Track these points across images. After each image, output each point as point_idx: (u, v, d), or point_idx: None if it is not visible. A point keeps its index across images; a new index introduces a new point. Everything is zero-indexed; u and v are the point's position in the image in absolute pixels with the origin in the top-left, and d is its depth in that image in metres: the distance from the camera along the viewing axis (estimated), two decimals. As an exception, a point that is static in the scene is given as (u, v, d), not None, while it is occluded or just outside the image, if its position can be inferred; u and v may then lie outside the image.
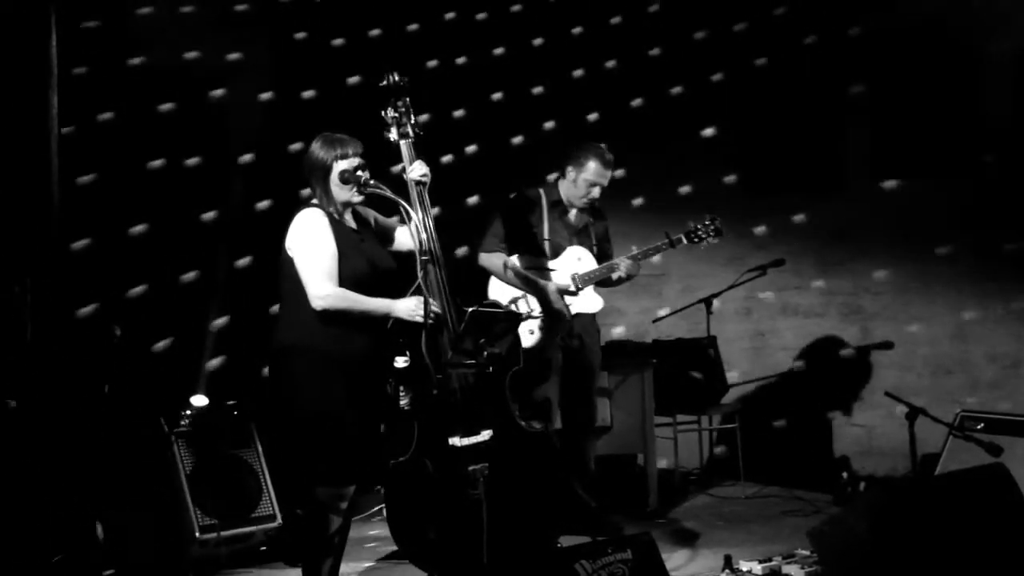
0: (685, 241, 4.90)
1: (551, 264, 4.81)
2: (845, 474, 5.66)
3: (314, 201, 3.62)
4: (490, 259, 4.80)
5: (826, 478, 5.76)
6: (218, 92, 5.77)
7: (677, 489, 5.94)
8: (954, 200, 5.73)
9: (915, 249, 5.92)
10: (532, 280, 4.73)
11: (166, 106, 5.56)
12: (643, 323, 6.55)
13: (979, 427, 4.62)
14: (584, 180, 4.78)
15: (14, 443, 4.28)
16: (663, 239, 4.88)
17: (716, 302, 6.14)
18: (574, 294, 4.77)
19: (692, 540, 4.92)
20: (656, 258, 5.15)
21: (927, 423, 4.54)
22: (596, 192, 4.82)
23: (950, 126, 5.70)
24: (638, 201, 6.51)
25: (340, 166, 3.58)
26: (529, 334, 4.66)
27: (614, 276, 4.82)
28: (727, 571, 4.03)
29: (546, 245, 4.83)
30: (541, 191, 4.91)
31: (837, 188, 6.16)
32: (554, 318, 4.70)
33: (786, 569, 4.03)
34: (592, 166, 4.77)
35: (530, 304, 4.59)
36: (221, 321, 5.54)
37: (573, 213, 4.92)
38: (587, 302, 4.83)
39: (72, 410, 4.53)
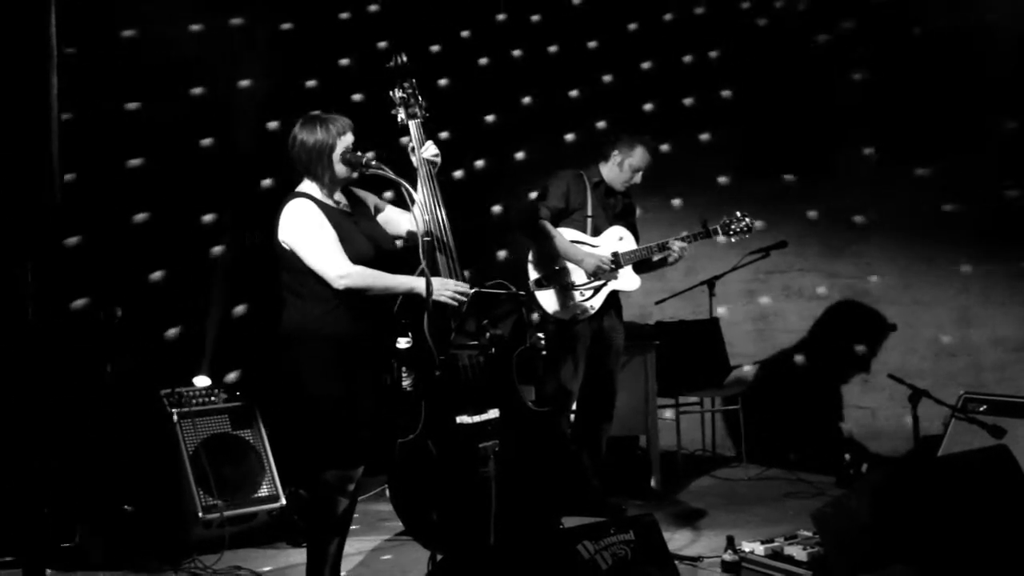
0: (720, 233, 5.08)
1: (593, 241, 4.98)
2: (848, 456, 5.67)
3: (300, 189, 3.59)
4: (542, 226, 4.90)
5: (829, 460, 5.77)
6: (220, 75, 5.74)
7: (680, 470, 5.95)
8: (958, 183, 5.70)
9: (918, 232, 5.90)
10: (580, 247, 4.92)
11: (168, 92, 5.55)
12: (646, 305, 6.54)
13: (982, 409, 4.61)
14: (629, 165, 5.03)
15: (16, 424, 4.29)
16: (699, 227, 5.06)
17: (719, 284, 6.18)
18: (615, 271, 4.92)
19: (694, 521, 4.93)
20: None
21: (930, 405, 4.55)
22: (638, 178, 5.07)
23: (954, 108, 5.67)
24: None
25: (344, 141, 3.55)
26: (579, 299, 4.90)
27: (671, 258, 4.98)
28: (729, 552, 4.04)
29: (589, 222, 4.99)
30: (582, 172, 5.06)
31: (840, 169, 6.13)
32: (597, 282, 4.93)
33: (788, 550, 4.02)
34: (639, 152, 5.02)
35: (576, 276, 4.91)
36: (223, 304, 5.54)
37: (611, 196, 5.11)
38: (626, 281, 5.01)
39: (74, 391, 4.53)
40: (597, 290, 4.93)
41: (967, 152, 5.64)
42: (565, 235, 4.94)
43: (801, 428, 6.23)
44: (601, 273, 4.88)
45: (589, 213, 5.00)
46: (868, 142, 6.04)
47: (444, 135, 5.79)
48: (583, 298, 4.90)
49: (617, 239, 5.03)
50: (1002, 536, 3.32)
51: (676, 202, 6.59)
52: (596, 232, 5.01)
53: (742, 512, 5.09)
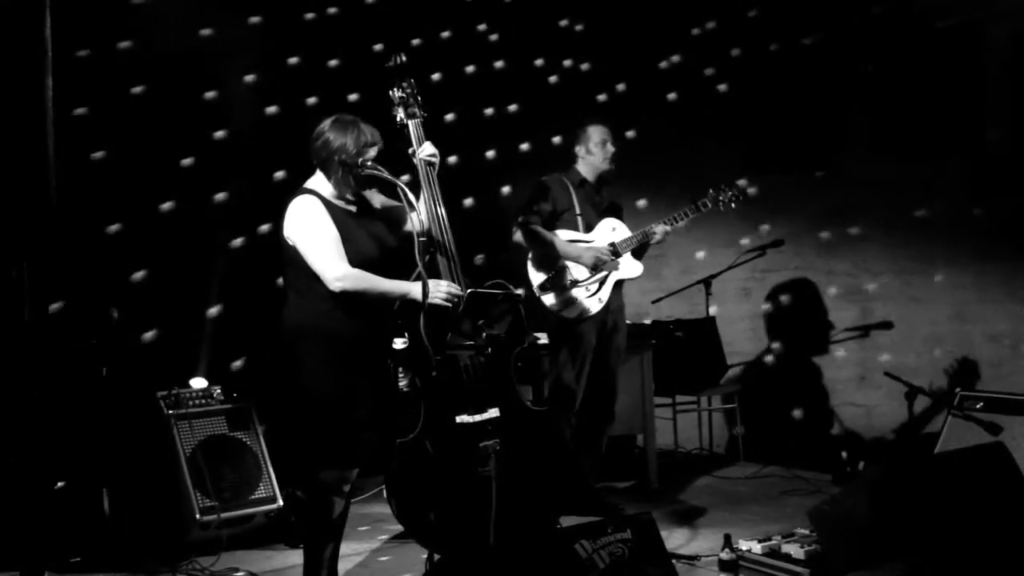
0: (710, 205, 5.09)
1: (587, 237, 5.00)
2: (845, 453, 5.67)
3: (309, 185, 3.59)
4: (535, 231, 4.91)
5: (826, 457, 5.77)
6: (215, 71, 5.73)
7: (677, 469, 5.95)
8: (954, 181, 5.71)
9: (914, 230, 5.90)
10: (576, 244, 4.93)
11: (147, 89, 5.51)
12: (642, 304, 6.54)
13: (978, 406, 4.62)
14: (595, 144, 5.05)
15: (14, 427, 4.28)
16: (690, 205, 5.08)
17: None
18: (615, 260, 4.95)
19: (692, 520, 4.93)
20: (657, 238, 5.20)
21: (927, 402, 4.55)
22: (611, 147, 5.07)
23: (950, 107, 5.68)
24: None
25: (366, 155, 3.55)
26: (586, 296, 4.90)
27: (652, 240, 5.02)
28: (727, 550, 4.03)
29: (579, 220, 5.01)
30: (562, 176, 5.09)
31: (837, 168, 6.14)
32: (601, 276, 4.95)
33: (785, 548, 4.02)
34: (591, 130, 5.06)
35: (577, 273, 4.91)
36: (218, 306, 5.53)
37: (597, 193, 5.13)
38: (628, 268, 5.03)
39: (70, 393, 4.52)
40: (602, 282, 4.94)
41: (965, 151, 5.65)
42: (560, 236, 4.96)
43: (798, 426, 6.24)
44: (602, 264, 4.90)
45: (578, 212, 5.01)
46: (865, 141, 6.05)
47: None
48: (588, 293, 4.91)
49: (610, 230, 5.05)
50: (999, 532, 3.33)
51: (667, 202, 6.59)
52: (588, 228, 5.02)
53: (739, 510, 5.09)
